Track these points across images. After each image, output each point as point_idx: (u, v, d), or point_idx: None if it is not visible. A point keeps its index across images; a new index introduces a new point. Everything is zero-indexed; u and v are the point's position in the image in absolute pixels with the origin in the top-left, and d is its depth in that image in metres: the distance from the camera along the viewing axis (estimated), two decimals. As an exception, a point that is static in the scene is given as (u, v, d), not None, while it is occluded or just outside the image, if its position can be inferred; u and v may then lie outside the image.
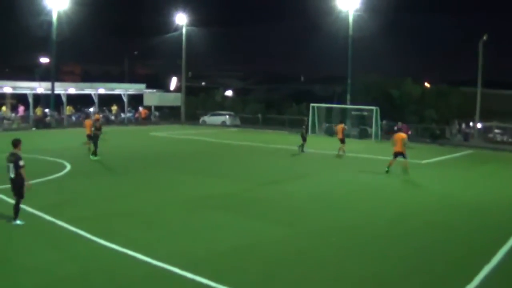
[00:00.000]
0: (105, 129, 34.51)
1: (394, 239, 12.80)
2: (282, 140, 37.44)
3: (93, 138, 26.23)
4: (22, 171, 12.96)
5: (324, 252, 11.64)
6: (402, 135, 23.11)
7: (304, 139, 31.13)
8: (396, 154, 22.82)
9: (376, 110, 42.05)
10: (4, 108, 52.89)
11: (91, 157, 25.33)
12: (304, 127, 31.92)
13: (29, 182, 13.47)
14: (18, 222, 13.00)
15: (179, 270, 9.93)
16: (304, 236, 12.95)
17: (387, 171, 22.77)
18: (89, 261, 10.57)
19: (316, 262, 10.90)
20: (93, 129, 26.62)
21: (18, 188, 13.13)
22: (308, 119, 38.81)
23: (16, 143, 13.27)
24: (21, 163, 12.94)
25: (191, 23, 62.35)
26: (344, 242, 12.47)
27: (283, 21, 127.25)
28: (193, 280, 9.51)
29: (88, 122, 28.00)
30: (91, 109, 58.63)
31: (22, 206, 13.43)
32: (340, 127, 30.16)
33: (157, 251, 10.98)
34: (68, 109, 54.97)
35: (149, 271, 10.06)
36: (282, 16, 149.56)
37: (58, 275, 9.75)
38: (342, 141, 29.73)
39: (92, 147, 26.06)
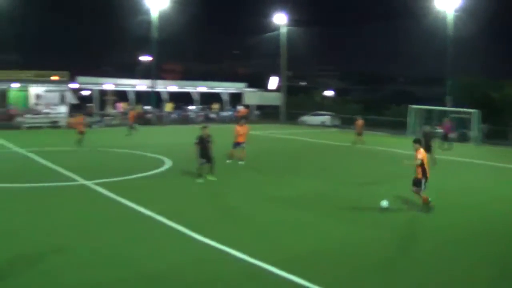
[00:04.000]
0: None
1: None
2: (382, 142, 36.62)
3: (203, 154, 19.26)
4: None
5: (414, 258, 11.10)
6: None
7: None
8: None
9: (477, 113, 40.23)
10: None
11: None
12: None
13: None
14: None
15: (269, 266, 9.85)
16: (392, 240, 12.47)
17: None
18: (180, 255, 10.69)
19: (404, 267, 10.42)
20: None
21: None
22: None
23: None
24: None
25: (290, 23, 62.47)
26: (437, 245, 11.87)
27: (382, 20, 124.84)
28: (283, 278, 9.39)
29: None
30: (193, 107, 59.78)
31: (119, 199, 13.86)
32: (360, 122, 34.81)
33: (249, 248, 10.91)
34: (168, 106, 56.38)
35: (241, 267, 10.03)
36: (381, 16, 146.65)
37: (148, 268, 9.79)
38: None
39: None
